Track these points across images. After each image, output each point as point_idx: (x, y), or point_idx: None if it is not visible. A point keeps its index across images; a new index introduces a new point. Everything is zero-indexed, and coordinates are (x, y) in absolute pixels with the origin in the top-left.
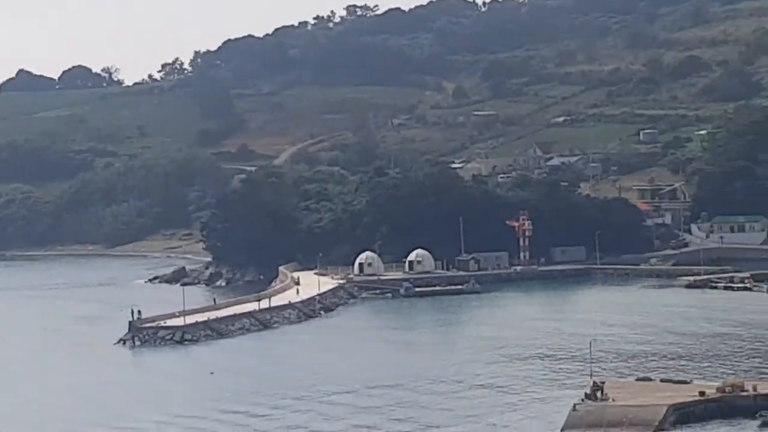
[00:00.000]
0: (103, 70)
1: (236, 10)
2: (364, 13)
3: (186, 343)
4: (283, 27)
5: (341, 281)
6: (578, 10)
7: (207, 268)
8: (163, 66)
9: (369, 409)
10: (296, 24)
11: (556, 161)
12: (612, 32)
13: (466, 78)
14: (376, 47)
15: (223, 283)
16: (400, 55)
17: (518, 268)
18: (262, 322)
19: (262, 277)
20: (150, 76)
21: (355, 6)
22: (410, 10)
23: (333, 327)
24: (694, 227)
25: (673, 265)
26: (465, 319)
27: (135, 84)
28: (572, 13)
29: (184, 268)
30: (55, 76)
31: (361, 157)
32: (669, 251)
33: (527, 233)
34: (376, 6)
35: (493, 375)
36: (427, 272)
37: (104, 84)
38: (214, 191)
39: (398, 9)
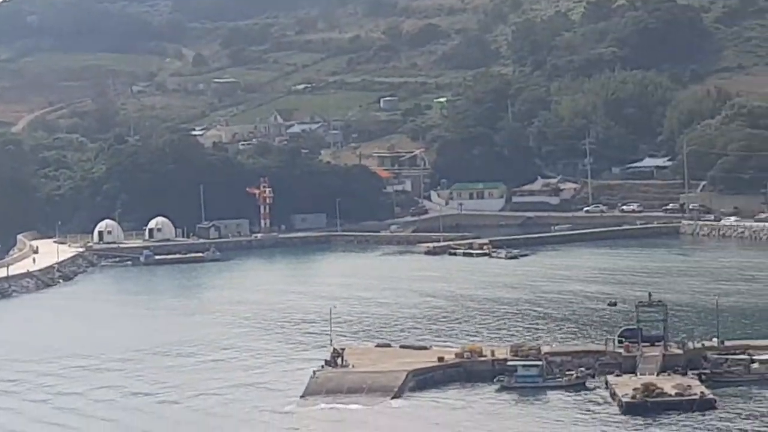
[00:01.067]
0: None
1: None
2: None
3: None
4: None
5: (80, 249)
6: None
7: None
8: None
9: (105, 377)
10: None
11: (296, 128)
12: (351, 0)
13: (205, 45)
14: (116, 14)
15: None
16: (139, 22)
17: (259, 235)
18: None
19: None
20: None
21: None
22: None
23: (71, 295)
24: (433, 194)
25: (413, 231)
26: (205, 286)
27: None
28: None
29: None
30: None
31: (100, 124)
32: (409, 218)
33: (268, 201)
34: None
35: (232, 342)
36: (168, 240)
37: None
38: None
39: None
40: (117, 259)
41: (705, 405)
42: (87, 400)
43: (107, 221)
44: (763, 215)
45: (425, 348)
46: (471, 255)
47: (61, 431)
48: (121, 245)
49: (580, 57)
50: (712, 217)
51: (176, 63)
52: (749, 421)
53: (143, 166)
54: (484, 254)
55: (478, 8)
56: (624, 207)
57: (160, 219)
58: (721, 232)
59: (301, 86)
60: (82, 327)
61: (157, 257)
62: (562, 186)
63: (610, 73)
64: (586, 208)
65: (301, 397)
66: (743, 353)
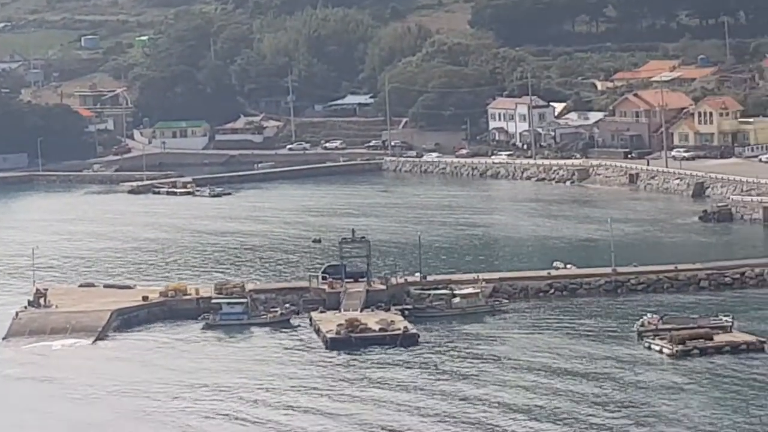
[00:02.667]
0: None
1: None
2: None
3: None
4: None
5: None
6: None
7: None
8: None
9: None
10: None
11: None
12: None
13: None
14: None
15: None
16: None
17: None
18: None
19: None
20: None
21: None
22: None
23: None
24: (136, 133)
25: (116, 170)
26: None
27: None
28: None
29: None
30: None
31: None
32: (112, 157)
33: None
34: None
35: None
36: None
37: None
38: None
39: None
40: None
41: (408, 340)
42: None
43: None
44: (463, 151)
45: (129, 287)
46: (175, 194)
47: None
48: None
49: None
50: (414, 153)
51: None
52: (451, 355)
53: None
54: (188, 193)
55: None
56: (327, 144)
57: None
58: (422, 168)
59: (0, 25)
60: None
61: None
62: (265, 124)
63: (312, 11)
64: (289, 146)
65: (3, 338)
66: (445, 288)
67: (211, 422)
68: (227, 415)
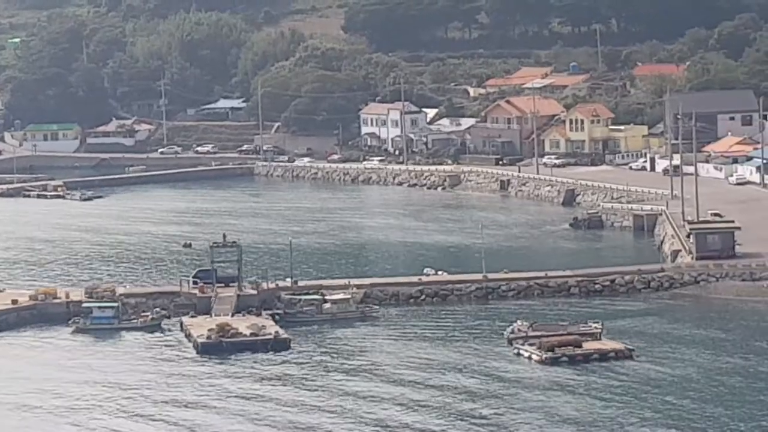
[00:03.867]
0: None
1: None
2: None
3: None
4: None
5: None
6: None
7: None
8: None
9: None
10: None
11: None
12: None
13: None
14: None
15: None
16: None
17: None
18: None
19: None
20: None
21: None
22: None
23: None
24: (7, 135)
25: None
26: None
27: None
28: None
29: None
30: None
31: None
32: None
33: None
34: None
35: None
36: None
37: None
38: None
39: None
40: None
41: (279, 345)
42: None
43: None
44: (335, 156)
45: None
46: (45, 197)
47: None
48: None
49: None
50: (286, 158)
51: None
52: (321, 360)
53: None
54: (59, 196)
55: None
56: (199, 148)
57: None
58: (294, 173)
59: None
60: None
61: None
62: (137, 127)
63: (185, 15)
64: (161, 150)
65: None
66: (316, 293)
67: None
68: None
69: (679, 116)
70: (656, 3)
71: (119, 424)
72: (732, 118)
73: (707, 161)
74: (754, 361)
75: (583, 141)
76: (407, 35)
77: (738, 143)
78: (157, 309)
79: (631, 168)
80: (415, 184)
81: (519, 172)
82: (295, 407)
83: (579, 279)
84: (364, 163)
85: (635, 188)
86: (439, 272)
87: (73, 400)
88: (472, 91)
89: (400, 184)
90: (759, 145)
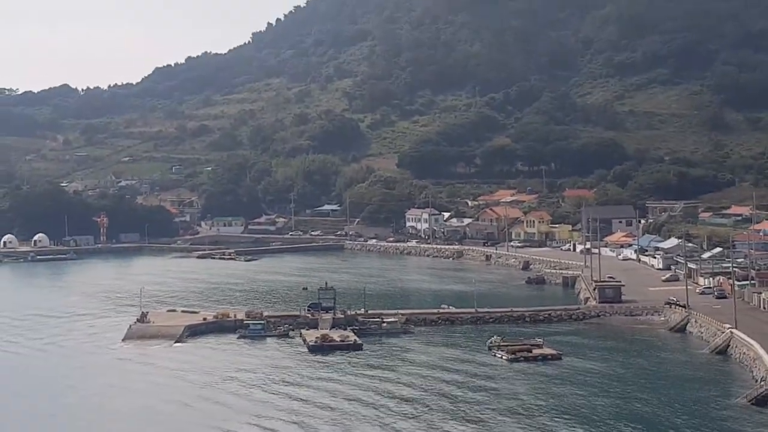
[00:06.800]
0: None
1: None
2: None
3: None
4: None
5: None
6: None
7: None
8: None
9: None
10: None
11: (123, 183)
12: (156, 108)
13: (70, 133)
14: (16, 114)
15: None
16: (30, 118)
17: (99, 245)
18: None
19: None
20: None
21: None
22: None
23: None
24: (203, 222)
25: (190, 244)
26: (69, 273)
27: None
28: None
29: None
30: None
31: (6, 178)
32: (188, 236)
33: (105, 225)
34: None
35: (82, 307)
36: (45, 247)
37: None
38: None
39: None
40: (15, 257)
41: (357, 347)
42: None
43: (9, 235)
44: (391, 239)
45: (196, 312)
46: (224, 259)
47: None
48: (17, 249)
49: (288, 145)
50: (363, 239)
51: (53, 143)
52: (381, 354)
53: (31, 202)
54: (231, 259)
55: (230, 115)
56: (312, 232)
57: (40, 234)
58: (367, 248)
59: (126, 159)
60: None
61: (38, 257)
62: (277, 220)
63: (306, 156)
64: (290, 233)
65: (122, 340)
66: (378, 317)
67: None
68: None
69: (589, 220)
70: (577, 154)
71: (271, 381)
72: (620, 222)
73: (606, 246)
74: (631, 361)
75: (534, 233)
76: (433, 170)
77: (624, 236)
78: (287, 325)
79: (561, 249)
80: (437, 256)
81: (497, 250)
82: (370, 381)
83: (530, 313)
84: (407, 243)
85: (564, 261)
86: (450, 307)
87: (246, 372)
88: (470, 203)
89: (428, 255)
90: (635, 238)
